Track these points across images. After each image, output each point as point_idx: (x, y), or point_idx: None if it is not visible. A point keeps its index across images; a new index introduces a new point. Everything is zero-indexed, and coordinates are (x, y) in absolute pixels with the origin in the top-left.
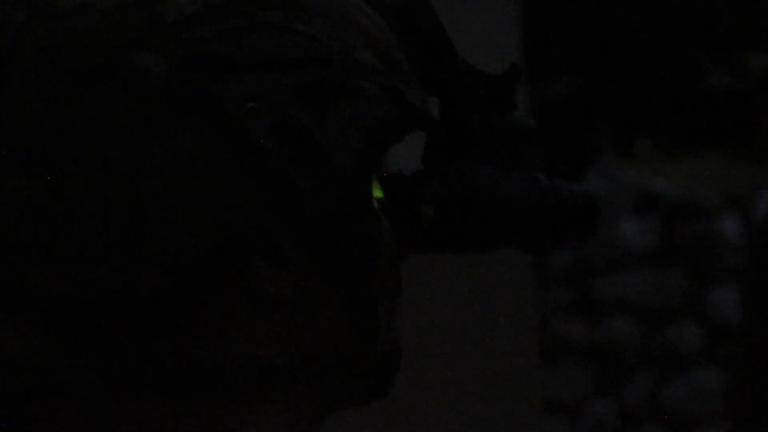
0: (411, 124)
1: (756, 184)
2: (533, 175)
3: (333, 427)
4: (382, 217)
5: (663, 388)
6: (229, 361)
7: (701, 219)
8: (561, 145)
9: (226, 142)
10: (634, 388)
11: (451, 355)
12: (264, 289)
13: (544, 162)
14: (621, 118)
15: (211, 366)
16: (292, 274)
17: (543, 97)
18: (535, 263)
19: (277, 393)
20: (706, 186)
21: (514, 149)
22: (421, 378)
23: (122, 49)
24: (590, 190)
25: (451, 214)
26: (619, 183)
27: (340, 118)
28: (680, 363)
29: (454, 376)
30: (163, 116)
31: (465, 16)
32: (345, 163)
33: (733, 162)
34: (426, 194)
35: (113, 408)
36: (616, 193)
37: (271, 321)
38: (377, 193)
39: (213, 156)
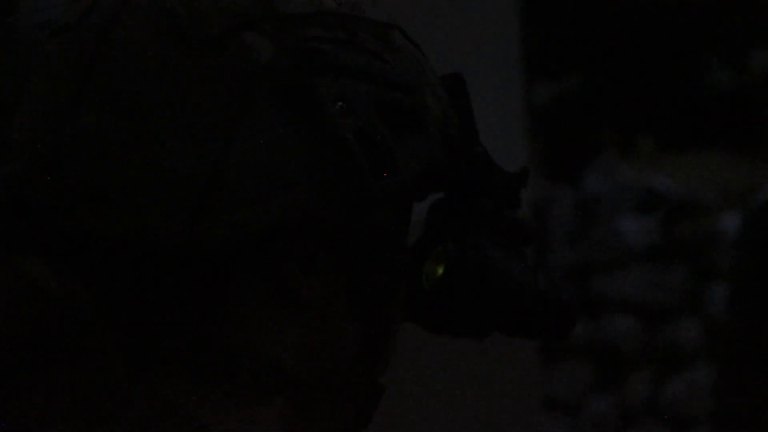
0: (458, 176)
1: (757, 182)
2: (533, 271)
3: None
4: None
5: (663, 386)
6: (246, 354)
7: (702, 217)
8: (561, 143)
9: (313, 131)
10: (635, 385)
11: (450, 353)
12: (296, 291)
13: (544, 161)
14: (622, 116)
15: (228, 354)
16: (324, 283)
17: (543, 94)
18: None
19: (281, 398)
20: (708, 184)
21: (515, 243)
22: (421, 375)
23: (236, 25)
24: (577, 298)
25: (459, 279)
26: (619, 181)
27: (406, 145)
28: (680, 361)
29: (454, 373)
30: (259, 94)
31: (465, 13)
32: (407, 185)
33: (735, 160)
34: (440, 252)
35: (124, 372)
36: (616, 191)
37: (293, 324)
38: None
39: (298, 141)
